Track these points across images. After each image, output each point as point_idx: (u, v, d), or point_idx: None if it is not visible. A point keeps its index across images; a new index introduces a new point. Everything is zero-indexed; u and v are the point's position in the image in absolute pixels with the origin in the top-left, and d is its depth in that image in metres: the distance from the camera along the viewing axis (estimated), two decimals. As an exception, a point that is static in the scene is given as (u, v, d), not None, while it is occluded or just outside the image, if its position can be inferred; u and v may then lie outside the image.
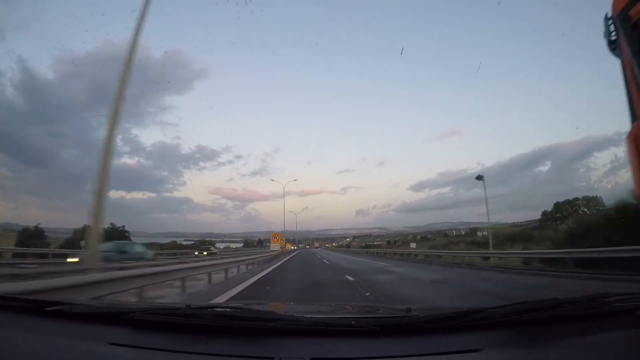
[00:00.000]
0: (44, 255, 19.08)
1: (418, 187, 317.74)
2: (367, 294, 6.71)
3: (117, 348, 1.06)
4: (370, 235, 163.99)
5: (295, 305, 2.37)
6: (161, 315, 1.22)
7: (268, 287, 8.36)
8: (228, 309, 1.27)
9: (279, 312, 1.34)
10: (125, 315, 1.21)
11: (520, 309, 1.18)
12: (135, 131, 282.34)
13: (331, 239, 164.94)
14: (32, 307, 1.31)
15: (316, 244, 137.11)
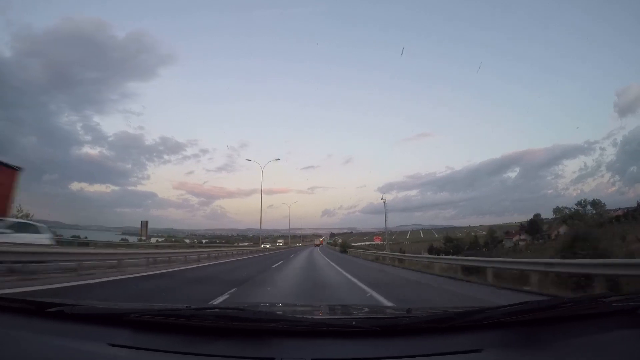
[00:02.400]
0: None
1: (386, 188, 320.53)
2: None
3: (118, 349, 1.07)
4: (352, 233, 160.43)
5: (296, 306, 2.37)
6: (162, 316, 1.22)
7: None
8: (229, 310, 1.27)
9: (279, 312, 1.34)
10: (125, 317, 1.21)
11: (520, 309, 1.18)
12: (96, 119, 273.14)
13: (301, 238, 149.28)
14: (34, 309, 1.31)
15: (318, 240, 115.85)
